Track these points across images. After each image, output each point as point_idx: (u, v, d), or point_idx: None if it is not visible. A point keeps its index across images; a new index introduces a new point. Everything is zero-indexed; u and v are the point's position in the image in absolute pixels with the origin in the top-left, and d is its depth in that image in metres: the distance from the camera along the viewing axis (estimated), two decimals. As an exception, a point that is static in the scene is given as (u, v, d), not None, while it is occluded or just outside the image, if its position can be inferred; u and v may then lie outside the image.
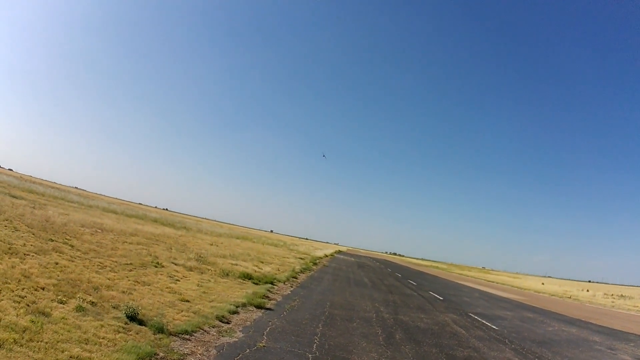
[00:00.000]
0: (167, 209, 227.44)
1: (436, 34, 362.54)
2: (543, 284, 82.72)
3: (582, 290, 69.72)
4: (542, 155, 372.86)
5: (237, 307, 10.33)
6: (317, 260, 40.77)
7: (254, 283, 15.38)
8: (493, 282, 69.11)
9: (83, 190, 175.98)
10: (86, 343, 5.74)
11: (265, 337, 8.33)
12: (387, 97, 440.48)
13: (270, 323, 9.53)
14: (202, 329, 8.05)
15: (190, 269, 15.10)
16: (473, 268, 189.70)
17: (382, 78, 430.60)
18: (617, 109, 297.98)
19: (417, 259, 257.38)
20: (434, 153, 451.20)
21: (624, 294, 62.42)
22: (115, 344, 6.00)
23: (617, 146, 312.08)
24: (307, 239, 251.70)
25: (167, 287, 10.98)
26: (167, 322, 7.70)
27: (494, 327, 16.15)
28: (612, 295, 59.35)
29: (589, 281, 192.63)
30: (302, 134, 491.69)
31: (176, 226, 42.53)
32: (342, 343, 8.94)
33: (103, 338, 6.12)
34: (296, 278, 20.97)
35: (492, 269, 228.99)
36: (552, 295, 49.54)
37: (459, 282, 51.76)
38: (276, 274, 19.87)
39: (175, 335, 7.21)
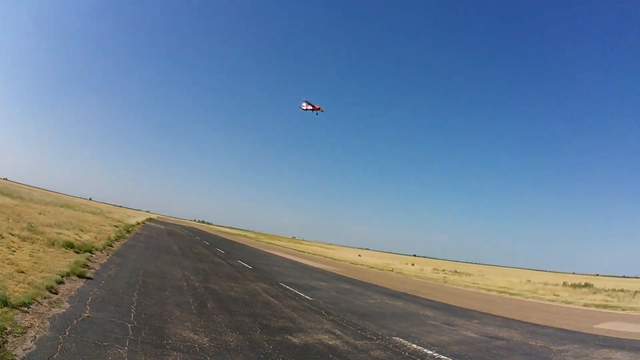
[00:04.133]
0: (6, 179, 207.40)
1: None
2: (360, 255, 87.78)
3: (407, 264, 72.85)
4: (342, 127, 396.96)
5: (62, 276, 10.73)
6: (130, 228, 42.02)
7: (75, 252, 15.90)
8: (304, 252, 71.79)
9: None
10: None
11: (89, 307, 8.73)
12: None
13: (91, 292, 9.98)
14: (37, 301, 8.34)
15: (24, 239, 15.10)
16: (283, 237, 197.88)
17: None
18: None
19: (226, 227, 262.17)
20: (232, 121, 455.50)
21: (458, 270, 66.45)
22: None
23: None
24: (121, 206, 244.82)
25: (6, 259, 11.14)
26: (10, 294, 7.93)
27: (308, 297, 16.51)
28: (444, 270, 62.84)
29: (415, 255, 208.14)
30: (110, 95, 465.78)
31: (13, 196, 40.67)
32: (158, 312, 9.49)
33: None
34: (112, 246, 21.70)
35: (303, 239, 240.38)
36: (372, 268, 51.36)
37: (268, 251, 54.10)
38: (94, 242, 20.47)
39: (16, 308, 7.51)
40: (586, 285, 48.73)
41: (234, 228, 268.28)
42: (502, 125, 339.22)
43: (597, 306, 27.14)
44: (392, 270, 50.18)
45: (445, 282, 41.69)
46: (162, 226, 75.68)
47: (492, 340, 12.56)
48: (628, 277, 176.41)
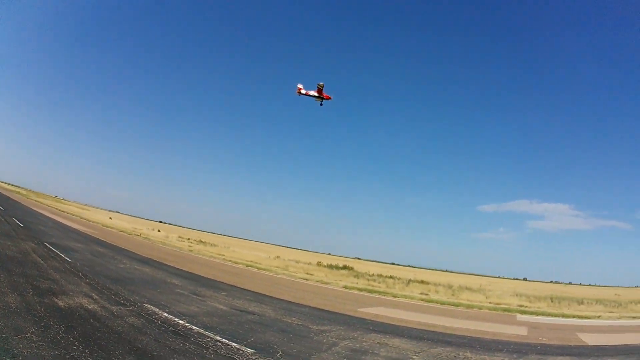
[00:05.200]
0: None
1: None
2: (111, 218, 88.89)
3: (154, 229, 74.35)
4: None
5: None
6: None
7: None
8: (65, 212, 73.00)
9: None
10: None
11: None
12: None
13: None
14: None
15: None
16: (48, 196, 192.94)
17: None
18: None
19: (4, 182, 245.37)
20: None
21: (203, 240, 67.86)
22: None
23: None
24: None
25: None
26: None
27: (68, 259, 16.90)
28: (189, 239, 63.76)
29: (161, 222, 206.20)
30: None
31: None
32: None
33: None
34: None
35: (64, 199, 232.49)
36: (122, 232, 51.90)
37: (36, 209, 54.53)
38: None
39: None
40: (345, 267, 49.46)
41: (8, 183, 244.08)
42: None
43: (361, 290, 27.72)
44: (139, 235, 50.79)
45: (191, 251, 41.58)
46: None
47: (243, 314, 12.75)
48: (398, 264, 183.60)
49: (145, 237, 48.82)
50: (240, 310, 13.34)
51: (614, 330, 20.43)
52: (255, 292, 18.77)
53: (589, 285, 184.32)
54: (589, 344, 15.43)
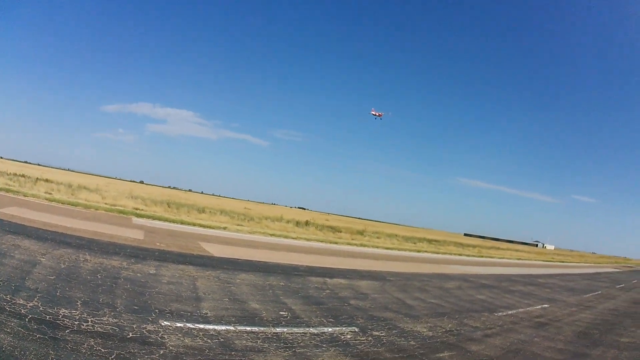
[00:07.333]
0: None
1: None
2: None
3: None
4: None
5: None
6: None
7: None
8: None
9: None
10: None
11: None
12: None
13: None
14: None
15: None
16: None
17: None
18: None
19: None
20: None
21: None
22: None
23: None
24: None
25: None
26: None
27: None
28: None
29: None
30: None
31: None
32: None
33: None
34: None
35: None
36: None
37: None
38: None
39: None
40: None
41: None
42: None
43: (0, 189, 27.03)
44: None
45: None
46: None
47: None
48: (30, 163, 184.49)
49: None
50: None
51: (249, 245, 21.63)
52: None
53: (214, 195, 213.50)
54: (215, 255, 16.08)
